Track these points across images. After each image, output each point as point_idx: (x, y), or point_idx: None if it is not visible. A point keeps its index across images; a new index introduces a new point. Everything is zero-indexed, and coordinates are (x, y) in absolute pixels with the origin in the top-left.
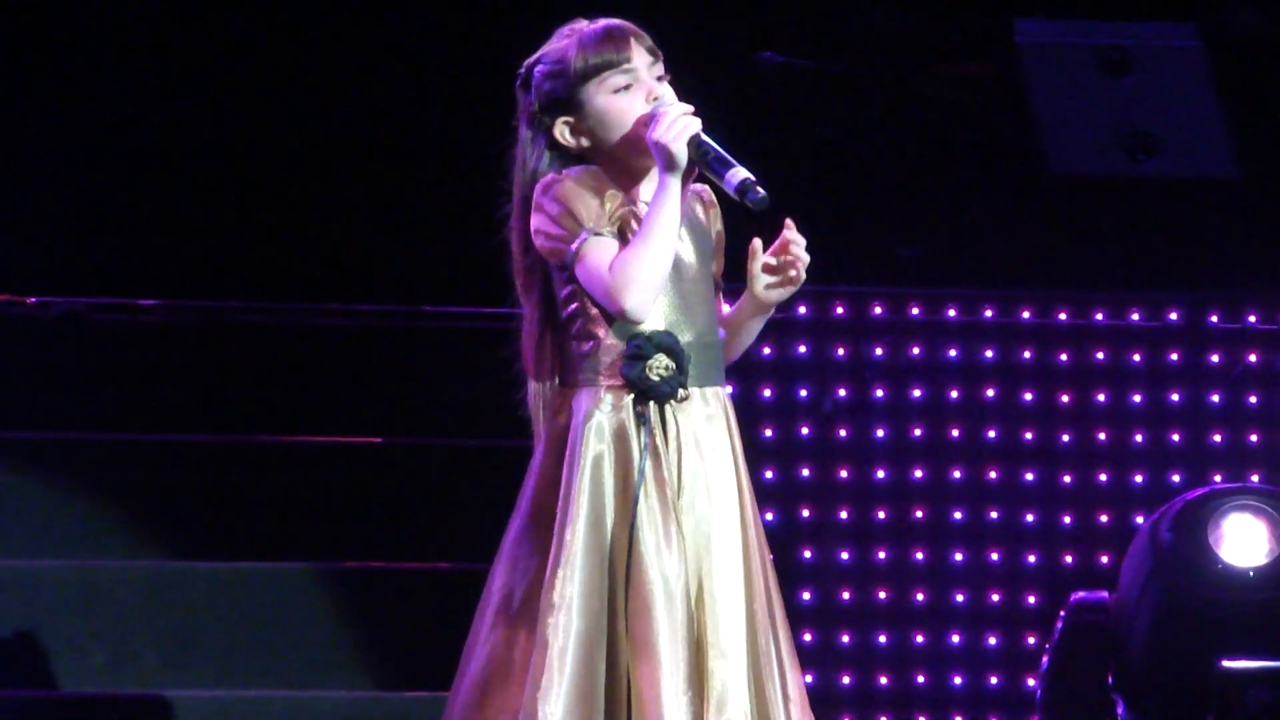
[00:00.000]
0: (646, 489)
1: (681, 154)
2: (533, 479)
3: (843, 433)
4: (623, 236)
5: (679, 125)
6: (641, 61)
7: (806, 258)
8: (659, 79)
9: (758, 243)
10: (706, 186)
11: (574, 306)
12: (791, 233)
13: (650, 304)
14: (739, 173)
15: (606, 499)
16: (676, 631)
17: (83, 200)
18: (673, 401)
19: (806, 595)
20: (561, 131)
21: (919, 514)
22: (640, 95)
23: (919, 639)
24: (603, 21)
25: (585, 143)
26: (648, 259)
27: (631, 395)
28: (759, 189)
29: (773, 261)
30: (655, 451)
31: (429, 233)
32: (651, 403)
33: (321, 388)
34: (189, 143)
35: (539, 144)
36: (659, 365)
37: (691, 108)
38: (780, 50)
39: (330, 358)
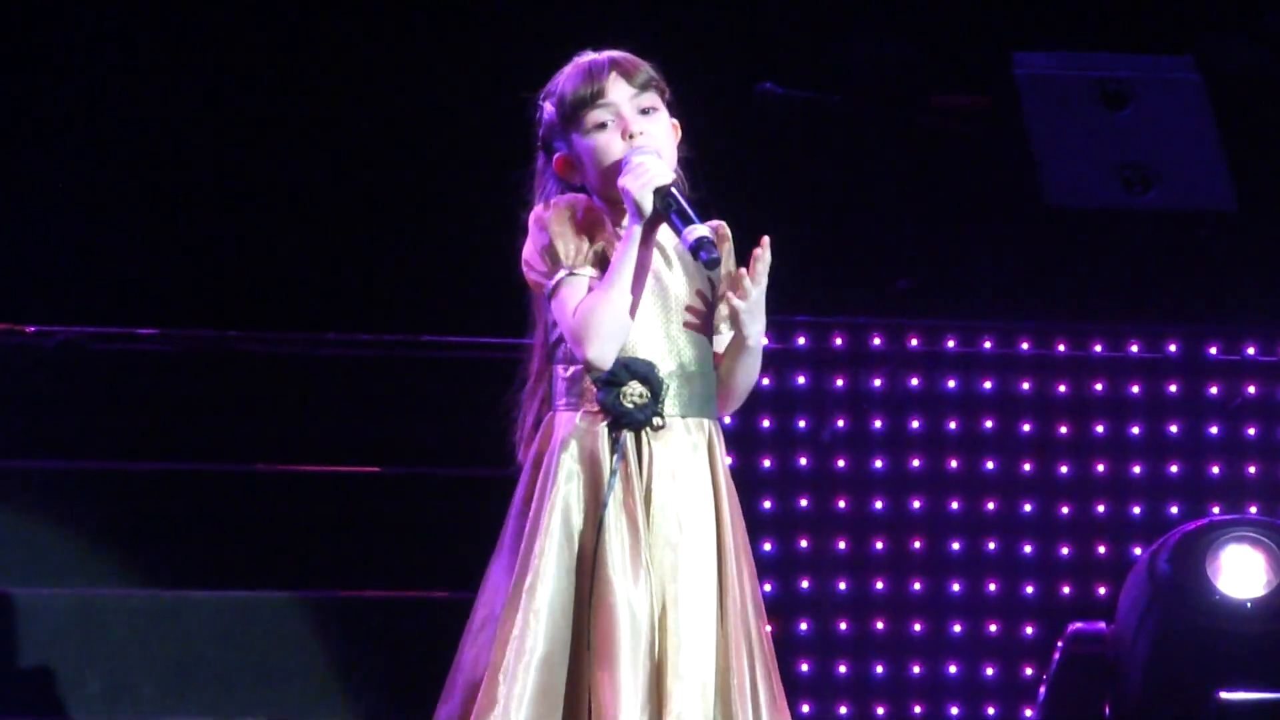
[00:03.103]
0: (616, 514)
1: (646, 203)
2: (515, 504)
3: (841, 463)
4: (602, 271)
5: (647, 175)
6: (621, 95)
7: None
8: (645, 111)
9: (743, 271)
10: (722, 221)
11: (559, 332)
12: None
13: (613, 352)
14: (696, 230)
15: (575, 521)
16: (639, 654)
17: (82, 229)
18: (648, 429)
19: (804, 625)
20: (559, 166)
21: (917, 544)
22: (617, 133)
23: (916, 669)
24: (587, 58)
25: (578, 179)
26: (605, 312)
27: (606, 421)
28: (714, 249)
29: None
30: (626, 478)
31: (427, 262)
32: (626, 430)
33: (319, 417)
34: (188, 172)
35: (546, 175)
36: (633, 393)
37: (658, 159)
38: (780, 82)
39: (328, 387)
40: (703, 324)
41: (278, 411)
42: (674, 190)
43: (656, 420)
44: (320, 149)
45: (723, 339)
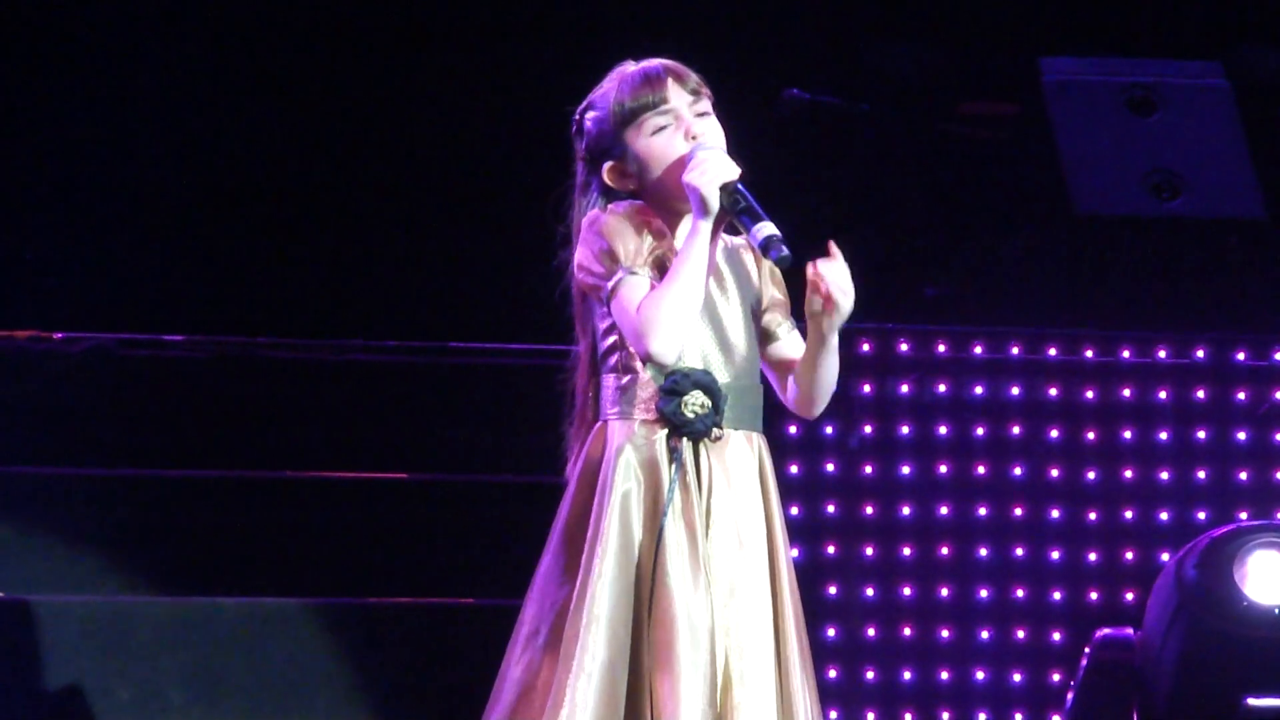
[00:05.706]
0: (675, 523)
1: (713, 199)
2: (564, 512)
3: (868, 469)
4: (661, 275)
5: (713, 170)
6: (680, 101)
7: (835, 277)
8: (701, 115)
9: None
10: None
11: (614, 339)
12: (826, 261)
13: (675, 348)
14: (765, 227)
15: (634, 530)
16: (699, 661)
17: (109, 236)
18: (707, 440)
19: (831, 631)
20: (609, 175)
21: (944, 550)
22: (679, 135)
23: (944, 676)
24: (642, 64)
25: (632, 185)
26: (671, 304)
27: (665, 430)
28: (783, 247)
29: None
30: (685, 488)
31: (454, 269)
32: (685, 439)
33: (346, 423)
34: (215, 179)
35: (592, 187)
36: (695, 402)
37: (724, 155)
38: (806, 88)
39: (355, 394)
40: (750, 336)
41: (305, 418)
42: (740, 186)
43: (716, 431)
44: (348, 157)
45: (783, 344)
